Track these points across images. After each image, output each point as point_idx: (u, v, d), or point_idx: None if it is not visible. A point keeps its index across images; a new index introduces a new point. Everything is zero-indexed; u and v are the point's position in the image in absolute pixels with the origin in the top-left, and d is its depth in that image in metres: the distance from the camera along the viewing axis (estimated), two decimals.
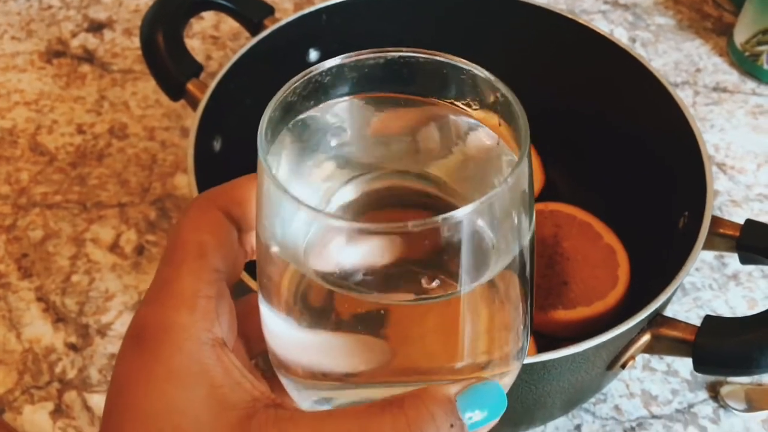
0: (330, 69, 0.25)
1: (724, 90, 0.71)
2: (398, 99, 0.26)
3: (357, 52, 0.25)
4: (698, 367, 0.40)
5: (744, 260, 0.46)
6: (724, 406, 0.50)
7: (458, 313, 0.23)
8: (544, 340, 0.50)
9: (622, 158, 0.56)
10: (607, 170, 0.57)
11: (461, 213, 0.21)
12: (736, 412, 0.50)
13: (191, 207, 0.25)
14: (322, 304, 0.24)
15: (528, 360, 0.38)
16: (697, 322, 0.42)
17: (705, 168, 0.47)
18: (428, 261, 0.23)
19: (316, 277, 0.23)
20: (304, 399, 0.25)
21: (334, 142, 0.27)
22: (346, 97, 0.26)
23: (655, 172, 0.53)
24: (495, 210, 0.22)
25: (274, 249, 0.23)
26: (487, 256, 0.23)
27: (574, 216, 0.55)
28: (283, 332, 0.25)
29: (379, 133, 0.27)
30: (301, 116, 0.25)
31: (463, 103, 0.26)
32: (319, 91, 0.25)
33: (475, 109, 0.25)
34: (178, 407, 0.22)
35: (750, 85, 0.71)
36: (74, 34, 0.74)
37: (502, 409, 0.23)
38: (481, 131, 0.26)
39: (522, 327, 0.25)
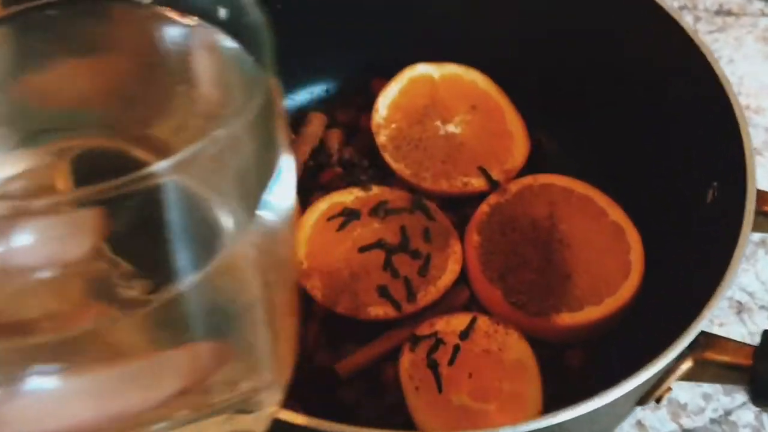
0: None
1: (729, 13, 0.61)
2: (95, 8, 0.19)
3: None
4: (758, 400, 0.31)
5: None
6: None
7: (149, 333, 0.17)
8: (549, 350, 0.40)
9: (625, 113, 0.46)
10: (607, 130, 0.47)
11: (158, 168, 0.14)
12: None
13: None
14: None
15: (538, 424, 0.28)
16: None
17: (737, 120, 0.37)
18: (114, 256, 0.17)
19: None
20: None
21: None
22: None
23: (667, 129, 0.43)
24: (218, 167, 0.16)
25: None
26: (206, 242, 0.17)
27: (572, 189, 0.45)
28: None
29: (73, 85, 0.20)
30: None
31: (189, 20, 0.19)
32: None
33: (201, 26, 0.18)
34: None
35: (758, 4, 0.61)
36: None
37: None
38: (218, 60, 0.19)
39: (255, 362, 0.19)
